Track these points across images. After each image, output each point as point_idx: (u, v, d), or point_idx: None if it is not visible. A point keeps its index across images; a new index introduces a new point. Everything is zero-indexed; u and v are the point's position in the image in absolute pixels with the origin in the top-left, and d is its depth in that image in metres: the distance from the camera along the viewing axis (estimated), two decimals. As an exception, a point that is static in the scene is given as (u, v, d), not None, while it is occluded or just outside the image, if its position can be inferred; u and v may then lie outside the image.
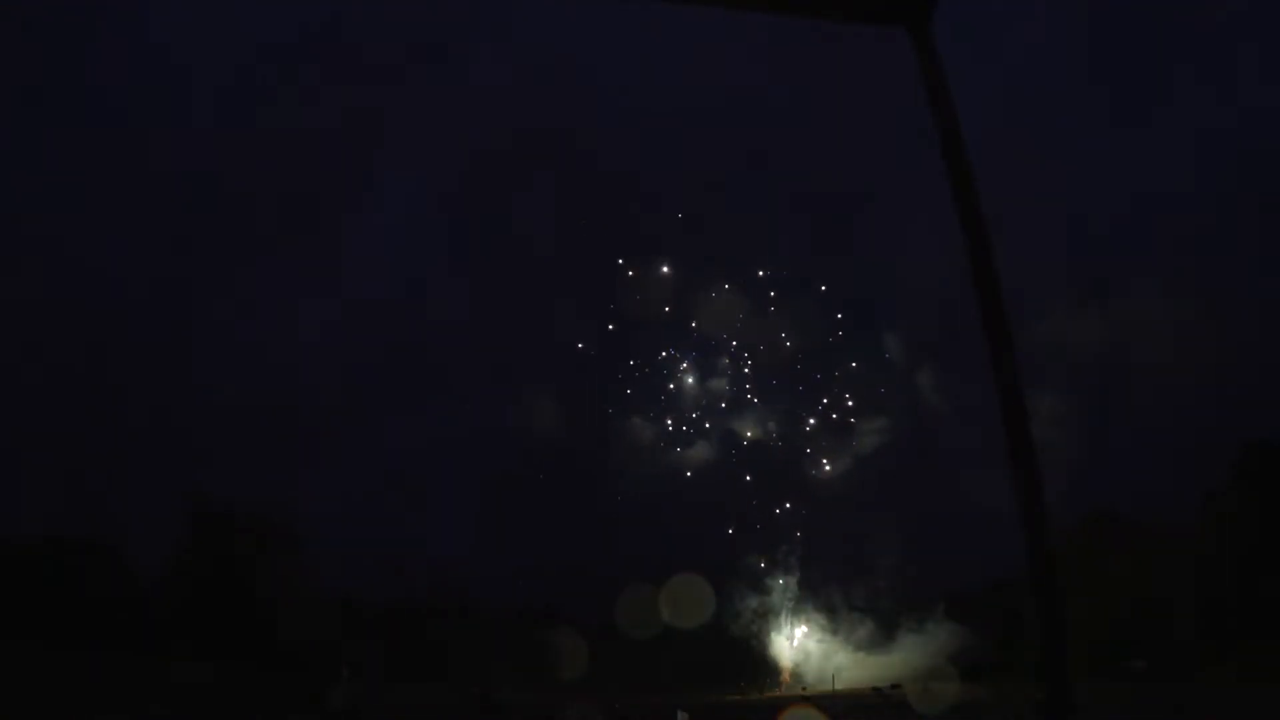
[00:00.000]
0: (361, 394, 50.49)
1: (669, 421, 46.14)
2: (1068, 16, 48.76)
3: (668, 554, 42.13)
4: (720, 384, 46.77)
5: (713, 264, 45.91)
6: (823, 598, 43.38)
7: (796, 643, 43.76)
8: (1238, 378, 39.17)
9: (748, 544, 44.14)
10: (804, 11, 3.23)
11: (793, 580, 43.72)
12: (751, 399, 46.56)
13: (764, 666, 43.82)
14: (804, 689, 41.05)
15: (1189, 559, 34.24)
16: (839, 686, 40.60)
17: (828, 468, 44.91)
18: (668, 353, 46.68)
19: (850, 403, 45.70)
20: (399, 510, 45.29)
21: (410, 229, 54.25)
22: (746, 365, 46.72)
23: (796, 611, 43.77)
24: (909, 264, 44.33)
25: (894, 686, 36.93)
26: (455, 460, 47.85)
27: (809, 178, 46.48)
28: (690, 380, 46.55)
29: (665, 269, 46.02)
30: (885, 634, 41.98)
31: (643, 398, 46.35)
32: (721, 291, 45.95)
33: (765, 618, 43.87)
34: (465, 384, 50.14)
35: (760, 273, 46.23)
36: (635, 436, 45.89)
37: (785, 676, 43.46)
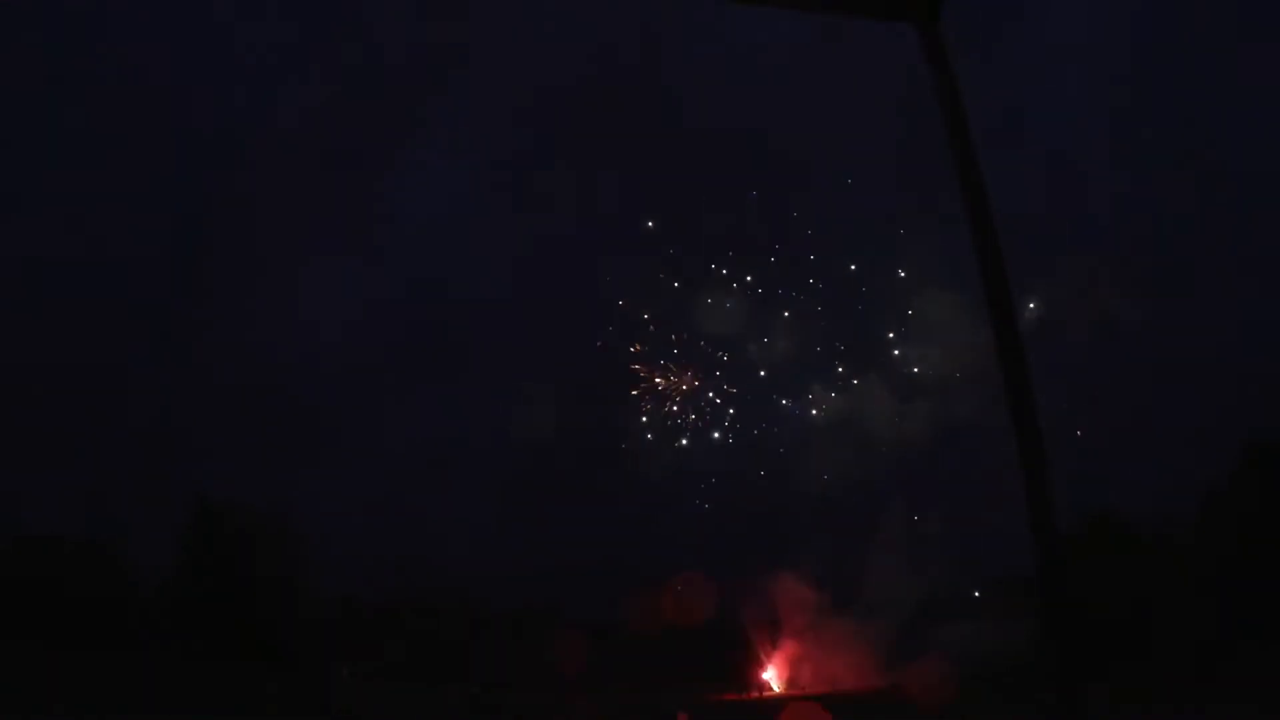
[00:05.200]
0: (363, 391, 50.50)
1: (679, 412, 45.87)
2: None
3: (671, 553, 42.22)
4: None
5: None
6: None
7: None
8: (1238, 377, 39.24)
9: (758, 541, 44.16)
10: (813, 6, 3.21)
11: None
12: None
13: (761, 666, 43.88)
14: (802, 689, 41.11)
15: (1189, 560, 34.28)
16: (838, 687, 40.63)
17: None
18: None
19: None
20: (400, 509, 45.30)
21: (420, 221, 53.96)
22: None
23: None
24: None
25: (894, 686, 36.94)
26: (456, 459, 47.82)
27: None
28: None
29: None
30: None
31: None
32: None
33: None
34: (469, 380, 50.08)
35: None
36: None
37: (777, 679, 43.48)
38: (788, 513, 45.00)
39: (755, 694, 41.88)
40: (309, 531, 39.21)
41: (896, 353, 45.90)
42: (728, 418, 46.39)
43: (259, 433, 44.32)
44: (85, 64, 48.52)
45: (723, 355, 46.33)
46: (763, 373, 46.51)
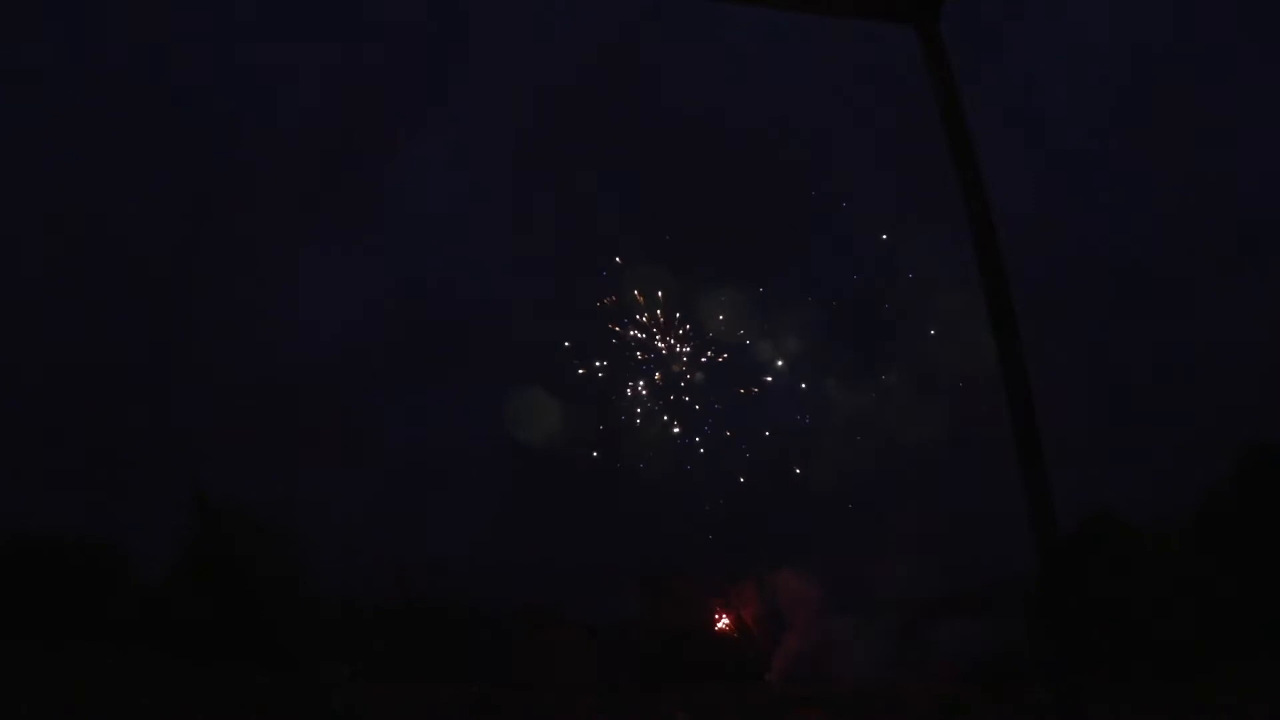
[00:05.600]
0: (363, 391, 50.50)
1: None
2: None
3: (671, 553, 42.24)
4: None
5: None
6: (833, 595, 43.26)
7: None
8: (1237, 378, 39.28)
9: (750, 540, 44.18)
10: (814, 8, 3.22)
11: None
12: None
13: (758, 664, 43.90)
14: (803, 689, 41.08)
15: (1188, 560, 34.26)
16: (838, 686, 40.62)
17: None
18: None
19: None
20: (400, 509, 45.32)
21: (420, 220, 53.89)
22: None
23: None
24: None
25: (894, 686, 36.95)
26: (456, 459, 47.82)
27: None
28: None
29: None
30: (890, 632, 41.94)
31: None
32: None
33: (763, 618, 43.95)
34: (469, 380, 50.06)
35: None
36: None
37: (777, 678, 43.48)
38: (789, 511, 45.06)
39: (755, 694, 41.83)
40: (309, 531, 39.25)
41: (900, 353, 45.86)
42: (730, 418, 46.40)
43: (259, 433, 44.34)
44: (81, 59, 48.59)
45: (726, 355, 46.35)
46: (769, 375, 46.53)
